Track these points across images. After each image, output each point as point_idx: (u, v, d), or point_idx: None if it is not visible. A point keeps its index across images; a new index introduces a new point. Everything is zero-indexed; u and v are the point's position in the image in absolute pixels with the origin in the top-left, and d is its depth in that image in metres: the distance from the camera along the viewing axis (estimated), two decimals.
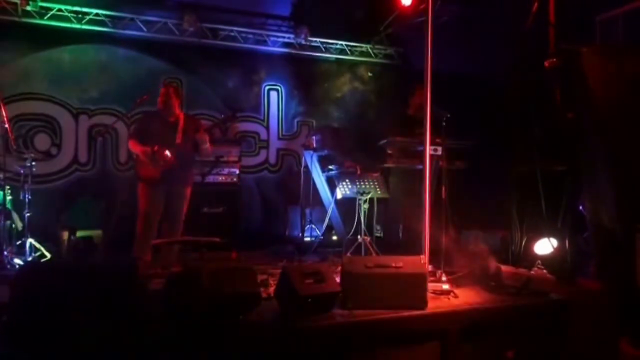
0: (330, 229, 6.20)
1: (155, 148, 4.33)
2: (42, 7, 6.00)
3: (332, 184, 5.73)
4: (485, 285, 3.85)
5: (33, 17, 6.05)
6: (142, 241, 4.35)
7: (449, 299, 3.51)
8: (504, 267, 4.14)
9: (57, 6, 6.10)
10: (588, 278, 4.03)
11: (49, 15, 6.11)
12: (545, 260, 4.33)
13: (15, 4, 5.89)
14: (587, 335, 3.45)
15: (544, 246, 4.38)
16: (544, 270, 4.28)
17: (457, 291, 3.63)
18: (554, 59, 4.44)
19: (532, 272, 4.30)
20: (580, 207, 4.50)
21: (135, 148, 4.45)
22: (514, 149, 4.82)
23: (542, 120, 4.48)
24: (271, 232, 6.90)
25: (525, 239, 4.61)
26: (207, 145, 4.56)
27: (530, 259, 4.45)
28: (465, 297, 3.56)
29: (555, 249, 4.25)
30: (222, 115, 4.89)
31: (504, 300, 3.56)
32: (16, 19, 5.99)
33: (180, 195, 4.54)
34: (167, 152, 4.34)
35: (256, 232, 6.92)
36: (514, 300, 3.55)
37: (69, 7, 6.16)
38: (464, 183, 4.61)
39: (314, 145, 6.05)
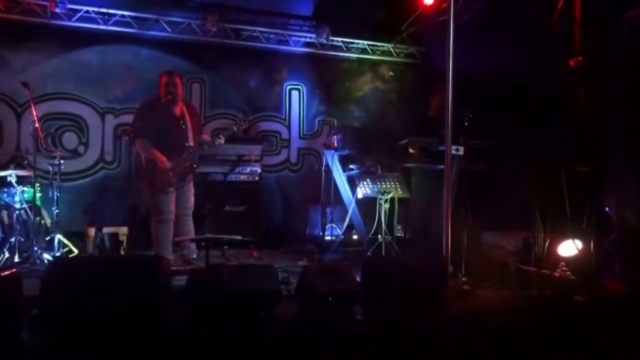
0: (350, 228, 6.21)
1: (172, 165, 4.26)
2: (70, 9, 6.15)
3: (352, 184, 5.74)
4: (508, 286, 3.81)
5: (61, 18, 6.20)
6: (161, 243, 4.35)
7: (470, 300, 3.50)
8: (526, 269, 4.09)
9: (85, 7, 6.25)
10: (613, 281, 3.96)
11: (76, 17, 6.25)
12: (570, 262, 4.27)
13: (45, 6, 6.05)
14: (610, 339, 3.39)
15: (568, 248, 4.31)
16: (568, 273, 4.21)
17: (478, 292, 3.61)
18: (580, 58, 4.37)
19: (556, 274, 4.24)
20: (607, 209, 4.41)
21: (150, 154, 4.25)
22: (537, 149, 4.76)
23: (566, 119, 4.41)
24: (292, 230, 6.94)
25: (548, 241, 4.54)
26: (210, 145, 4.49)
27: (553, 260, 4.39)
28: (486, 299, 3.54)
29: (580, 251, 4.18)
30: (239, 117, 4.77)
31: (527, 302, 3.53)
32: (45, 21, 6.15)
33: (188, 189, 4.51)
34: (188, 163, 4.31)
35: (277, 230, 6.97)
36: (537, 303, 3.51)
37: (96, 9, 6.30)
38: (485, 183, 4.57)
39: (335, 144, 6.06)
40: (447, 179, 3.79)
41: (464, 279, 3.78)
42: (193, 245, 4.52)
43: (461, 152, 4.14)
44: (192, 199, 4.56)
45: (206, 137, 4.49)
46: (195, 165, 4.51)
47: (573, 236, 4.25)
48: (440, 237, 3.78)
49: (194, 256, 4.50)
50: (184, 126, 4.36)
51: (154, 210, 4.38)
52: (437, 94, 5.02)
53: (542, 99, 4.66)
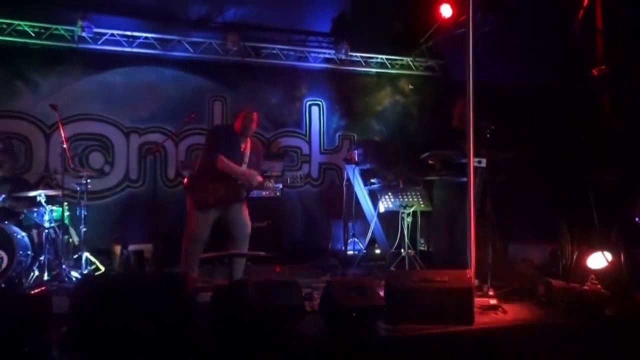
0: (373, 242, 6.18)
1: (217, 186, 4.32)
2: (96, 33, 6.34)
3: (374, 198, 5.73)
4: (535, 300, 3.73)
5: (88, 42, 6.40)
6: (189, 259, 4.37)
7: (497, 314, 3.44)
8: (554, 282, 4.00)
9: (110, 31, 6.45)
10: None
11: (102, 40, 6.45)
12: (600, 274, 4.16)
13: (72, 30, 6.26)
14: None
15: (598, 260, 4.21)
16: (598, 286, 4.10)
17: (505, 307, 3.55)
18: (603, 67, 4.31)
19: (586, 287, 4.13)
20: (637, 219, 4.30)
21: (231, 168, 4.36)
22: (562, 159, 4.68)
23: (590, 129, 4.34)
24: (314, 245, 6.94)
25: (576, 253, 4.44)
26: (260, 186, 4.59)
27: (582, 273, 4.28)
28: (514, 313, 3.47)
29: (610, 263, 4.07)
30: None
31: (555, 316, 3.44)
32: (73, 45, 6.36)
33: (241, 213, 4.50)
34: (259, 178, 4.40)
35: (299, 245, 6.97)
36: (567, 317, 3.42)
37: (121, 32, 6.49)
38: (509, 195, 4.52)
39: (356, 158, 6.07)
40: (470, 191, 3.75)
41: (490, 293, 3.71)
42: (241, 266, 4.51)
43: (484, 165, 4.09)
44: (243, 224, 4.52)
45: (259, 178, 4.54)
46: (238, 195, 4.54)
47: (602, 248, 4.15)
48: (464, 250, 3.73)
49: (240, 275, 4.49)
50: (242, 159, 4.49)
51: (188, 225, 4.45)
52: (459, 105, 5.00)
53: (564, 109, 4.61)
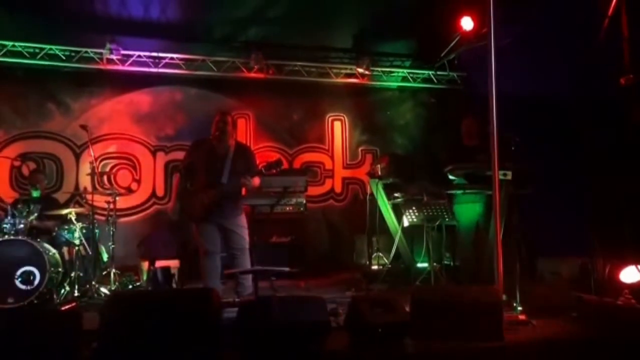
0: (397, 257, 6.12)
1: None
2: (123, 55, 6.54)
3: (398, 212, 5.69)
4: (567, 316, 3.64)
5: (116, 64, 6.60)
6: (205, 274, 4.38)
7: (526, 330, 3.35)
8: (586, 297, 3.90)
9: (137, 52, 6.63)
10: None
11: (129, 61, 6.64)
12: (634, 289, 4.03)
13: (101, 53, 6.47)
14: None
15: (631, 274, 4.08)
16: (633, 301, 3.97)
17: (535, 322, 3.46)
18: (631, 75, 4.23)
19: (619, 302, 4.01)
20: None
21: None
22: (589, 170, 4.59)
23: (619, 139, 4.25)
24: (338, 260, 6.92)
25: (608, 267, 4.32)
26: (251, 186, 4.35)
27: (615, 288, 4.16)
28: (544, 329, 3.38)
29: None
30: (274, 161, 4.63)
31: (588, 333, 3.34)
32: (101, 67, 6.57)
33: (235, 226, 4.41)
34: (211, 200, 4.26)
35: (323, 260, 6.96)
36: (600, 333, 3.32)
37: (147, 53, 6.68)
38: (536, 208, 4.44)
39: (379, 173, 6.06)
40: (496, 205, 3.70)
41: (519, 308, 3.63)
42: (248, 282, 4.49)
43: (509, 177, 4.03)
44: (237, 237, 4.44)
45: (255, 180, 4.44)
46: (230, 203, 4.41)
47: (635, 261, 4.03)
48: (491, 265, 3.67)
49: (248, 292, 4.46)
50: (220, 165, 4.37)
51: (197, 242, 4.45)
52: (464, 123, 4.95)
53: (591, 119, 4.52)
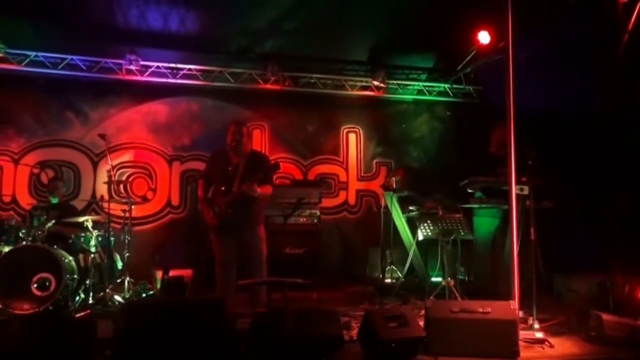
0: (411, 270, 6.07)
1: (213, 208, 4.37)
2: (142, 65, 6.64)
3: (413, 225, 5.66)
4: (584, 334, 3.56)
5: (134, 74, 6.70)
6: (223, 287, 4.38)
7: (542, 348, 3.30)
8: (604, 315, 3.81)
9: (155, 63, 6.74)
10: None
11: (148, 72, 6.74)
12: None
13: (120, 63, 6.58)
14: None
15: None
16: None
17: (552, 340, 3.40)
18: None
19: (639, 321, 3.91)
20: None
21: (199, 200, 4.49)
22: (610, 185, 4.52)
23: (637, 154, 4.19)
24: (351, 273, 6.88)
25: (628, 285, 4.23)
26: (253, 193, 4.23)
27: (635, 306, 4.07)
28: (561, 348, 3.32)
29: None
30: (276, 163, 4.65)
31: (606, 352, 3.27)
32: (120, 77, 6.67)
33: (252, 238, 4.40)
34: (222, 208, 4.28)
35: (336, 272, 6.92)
36: (619, 353, 3.25)
37: (165, 64, 6.78)
38: (553, 223, 4.37)
39: (394, 185, 6.04)
40: (512, 220, 3.66)
41: (535, 325, 3.57)
42: (262, 293, 4.47)
43: (526, 192, 3.99)
44: (254, 250, 4.41)
45: (262, 188, 4.41)
46: (246, 214, 4.37)
47: None
48: (507, 280, 3.62)
49: (262, 303, 4.43)
50: (233, 173, 4.38)
51: (214, 252, 4.46)
52: (496, 131, 4.93)
53: (610, 135, 4.47)
